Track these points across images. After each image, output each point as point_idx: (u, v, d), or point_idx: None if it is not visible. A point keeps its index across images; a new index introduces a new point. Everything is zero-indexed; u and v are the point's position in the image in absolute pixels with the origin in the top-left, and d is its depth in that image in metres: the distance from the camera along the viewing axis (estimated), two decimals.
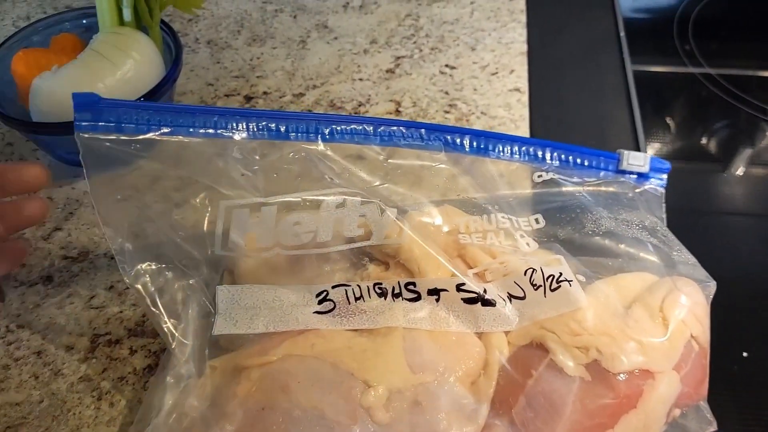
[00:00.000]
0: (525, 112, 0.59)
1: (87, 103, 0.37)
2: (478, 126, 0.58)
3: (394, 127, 0.43)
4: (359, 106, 0.60)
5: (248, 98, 0.61)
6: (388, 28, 0.67)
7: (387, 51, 0.65)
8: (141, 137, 0.38)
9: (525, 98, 0.60)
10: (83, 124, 0.37)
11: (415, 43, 0.66)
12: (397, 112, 0.60)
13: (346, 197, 0.41)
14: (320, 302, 0.40)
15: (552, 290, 0.39)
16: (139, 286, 0.40)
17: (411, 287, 0.40)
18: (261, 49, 0.65)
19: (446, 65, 0.63)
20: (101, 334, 0.46)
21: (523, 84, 0.61)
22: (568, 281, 0.39)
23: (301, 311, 0.40)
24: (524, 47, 0.65)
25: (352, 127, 0.43)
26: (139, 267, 0.41)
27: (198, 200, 0.41)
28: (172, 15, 0.69)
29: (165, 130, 0.39)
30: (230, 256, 0.42)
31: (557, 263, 0.41)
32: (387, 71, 0.63)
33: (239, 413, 0.36)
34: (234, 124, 0.40)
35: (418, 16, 0.68)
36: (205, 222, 0.41)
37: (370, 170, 0.42)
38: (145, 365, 0.44)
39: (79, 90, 0.37)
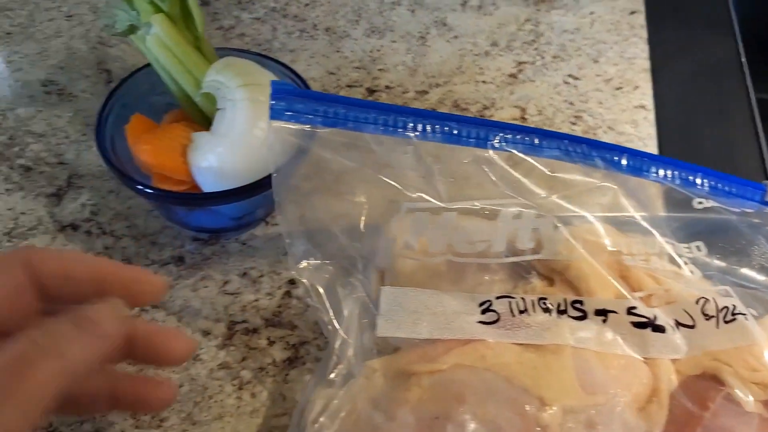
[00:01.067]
0: (652, 131, 0.58)
1: (282, 92, 0.36)
2: (605, 141, 0.57)
3: (560, 141, 0.42)
4: (484, 109, 0.59)
5: (371, 91, 0.60)
6: (508, 31, 0.66)
7: (508, 55, 0.64)
8: (327, 130, 0.38)
9: (651, 116, 0.59)
10: (277, 111, 0.36)
11: (536, 49, 0.65)
12: (523, 119, 0.59)
13: (521, 209, 0.40)
14: (483, 312, 0.39)
15: (726, 322, 0.39)
16: (305, 280, 0.40)
17: (577, 305, 0.39)
18: (380, 42, 0.64)
19: (569, 75, 0.62)
20: (238, 321, 0.45)
21: (648, 102, 0.60)
22: (743, 315, 0.39)
23: (465, 320, 0.39)
24: (647, 64, 0.64)
25: (520, 136, 0.42)
26: (305, 261, 0.40)
27: (372, 198, 0.40)
28: (288, 2, 0.68)
29: (350, 124, 0.38)
30: (389, 256, 0.41)
31: (726, 294, 0.40)
32: (510, 76, 0.62)
33: (411, 419, 0.36)
34: (412, 124, 0.39)
35: (537, 21, 0.67)
36: (373, 220, 0.41)
37: (536, 182, 0.41)
38: (285, 357, 0.43)
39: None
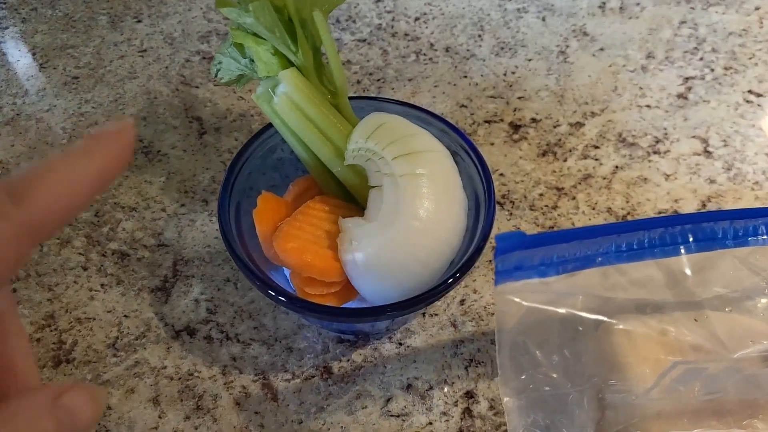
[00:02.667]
0: None
1: (508, 248, 0.26)
2: None
3: None
4: (656, 142, 0.48)
5: (515, 126, 0.49)
6: (663, 38, 0.55)
7: (670, 69, 0.53)
8: (560, 278, 0.27)
9: None
10: (503, 273, 0.26)
11: (701, 59, 0.53)
12: (706, 152, 0.48)
13: None
14: None
15: None
16: None
17: None
18: (513, 61, 0.54)
19: (749, 91, 0.51)
20: None
21: None
22: None
23: None
24: None
25: None
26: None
27: (635, 352, 0.30)
28: (395, 17, 0.57)
29: (597, 259, 0.28)
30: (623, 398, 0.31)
31: None
32: (678, 96, 0.51)
33: None
34: (670, 239, 0.29)
35: (695, 23, 0.56)
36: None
37: None
38: None
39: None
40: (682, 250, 0.28)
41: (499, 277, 0.26)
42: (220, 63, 0.40)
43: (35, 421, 0.20)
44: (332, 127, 0.37)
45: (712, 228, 0.29)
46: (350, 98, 0.40)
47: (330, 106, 0.37)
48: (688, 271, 0.28)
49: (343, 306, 0.36)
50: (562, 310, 0.27)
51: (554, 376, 0.30)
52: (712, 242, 0.29)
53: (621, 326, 0.33)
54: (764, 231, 0.30)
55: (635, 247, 0.28)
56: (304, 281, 0.36)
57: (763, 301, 0.29)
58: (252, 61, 0.38)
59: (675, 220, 0.29)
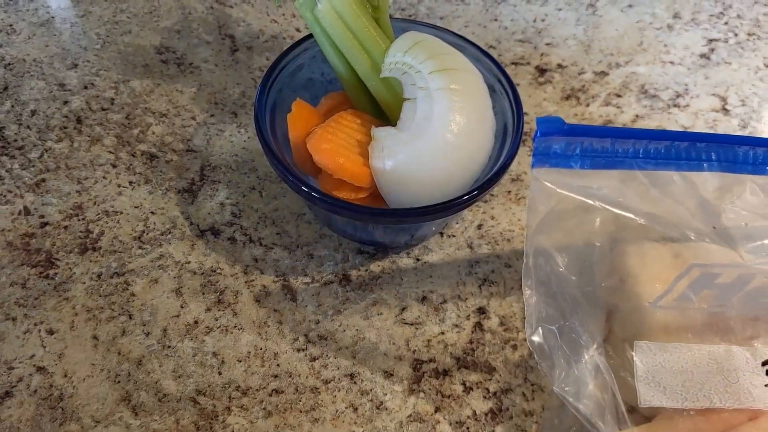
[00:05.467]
0: None
1: (550, 131, 0.27)
2: None
3: None
4: (677, 96, 0.50)
5: (541, 70, 0.50)
6: (690, 0, 0.56)
7: (695, 30, 0.54)
8: (597, 172, 0.29)
9: None
10: (541, 155, 0.27)
11: (726, 24, 0.55)
12: (724, 110, 0.49)
13: None
14: None
15: None
16: (538, 342, 0.31)
17: None
18: (544, 9, 0.54)
19: None
20: (424, 360, 0.37)
21: None
22: None
23: (749, 381, 0.31)
24: None
25: None
26: (541, 326, 0.31)
27: (646, 256, 0.31)
28: None
29: (628, 162, 0.29)
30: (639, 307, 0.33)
31: None
32: (701, 56, 0.52)
33: None
34: (698, 153, 0.30)
35: None
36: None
37: None
38: (487, 409, 0.36)
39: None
40: (705, 166, 0.30)
41: (536, 160, 0.28)
42: None
43: None
44: (371, 39, 0.38)
45: (734, 150, 0.30)
46: (393, 19, 0.41)
47: (371, 19, 0.38)
48: (709, 186, 0.30)
49: (369, 206, 0.37)
50: (596, 204, 0.28)
51: (572, 279, 0.32)
52: (734, 164, 0.31)
53: (635, 247, 0.34)
54: None
55: (663, 154, 0.29)
56: (334, 184, 0.37)
57: None
58: None
59: (701, 136, 0.30)
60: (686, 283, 0.30)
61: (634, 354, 0.32)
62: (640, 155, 0.29)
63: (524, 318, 0.38)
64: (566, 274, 0.32)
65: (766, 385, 0.31)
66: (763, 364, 0.31)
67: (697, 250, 0.32)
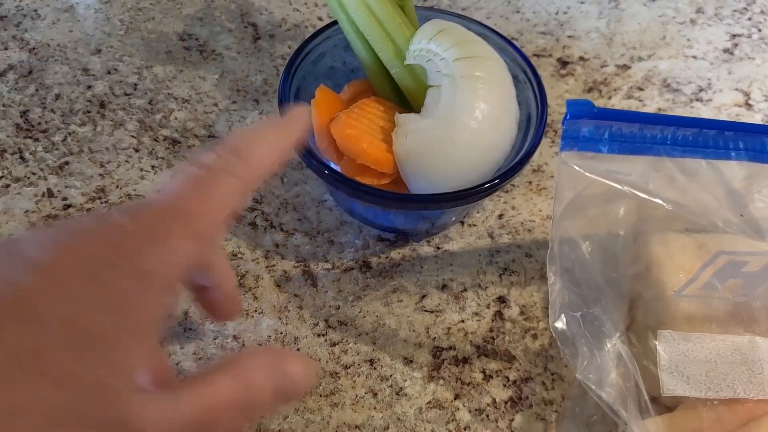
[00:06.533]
0: None
1: (579, 114, 0.27)
2: None
3: None
4: (700, 91, 0.49)
5: (563, 63, 0.50)
6: None
7: (718, 25, 0.54)
8: (625, 157, 0.28)
9: None
10: (570, 138, 0.27)
11: (750, 19, 0.54)
12: (747, 104, 0.49)
13: None
14: None
15: None
16: (562, 330, 0.31)
17: None
18: (566, 2, 0.54)
19: None
20: (443, 347, 0.37)
21: None
22: None
23: None
24: None
25: None
26: (564, 314, 0.31)
27: (670, 245, 0.31)
28: None
29: (656, 148, 0.29)
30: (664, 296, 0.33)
31: None
32: (724, 51, 0.52)
33: None
34: (726, 142, 0.30)
35: None
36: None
37: None
38: (506, 397, 0.36)
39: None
40: (733, 155, 0.29)
41: (564, 143, 0.28)
42: None
43: (259, 378, 0.24)
44: (396, 26, 0.38)
45: (762, 140, 0.30)
46: (418, 8, 0.41)
47: (396, 6, 0.38)
48: (736, 175, 0.30)
49: (392, 191, 0.37)
50: (621, 187, 0.28)
51: (596, 266, 0.32)
52: (761, 154, 0.30)
53: (659, 236, 0.34)
54: None
55: (690, 141, 0.29)
56: (357, 169, 0.37)
57: None
58: None
59: (729, 125, 0.30)
60: (712, 271, 0.30)
61: (657, 343, 0.32)
62: (668, 141, 0.29)
63: (545, 308, 0.38)
64: (590, 261, 0.32)
65: None
66: None
67: (721, 240, 0.32)
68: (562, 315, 0.31)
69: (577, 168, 0.28)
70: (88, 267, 0.20)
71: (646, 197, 0.29)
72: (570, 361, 0.31)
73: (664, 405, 0.32)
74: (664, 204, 0.29)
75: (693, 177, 0.29)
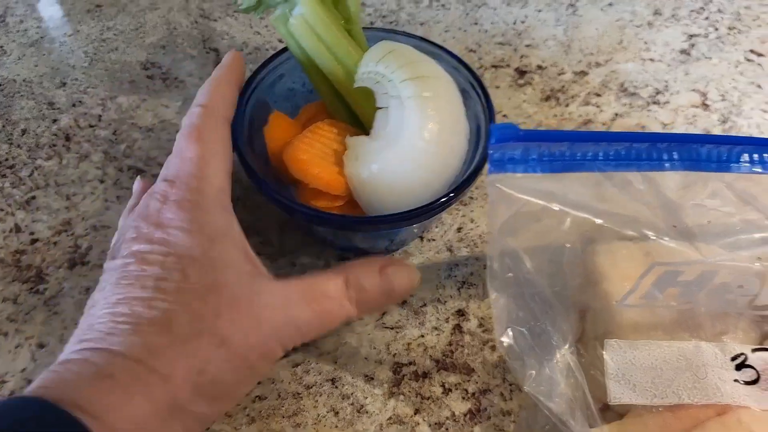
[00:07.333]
0: None
1: (504, 137, 0.28)
2: None
3: None
4: (657, 93, 0.50)
5: (521, 72, 0.51)
6: None
7: (676, 26, 0.54)
8: (555, 176, 0.29)
9: None
10: (497, 162, 0.28)
11: (707, 19, 0.55)
12: (704, 105, 0.49)
13: None
14: (738, 368, 0.32)
15: None
16: (507, 344, 0.32)
17: None
18: (524, 11, 0.55)
19: (751, 51, 0.53)
20: (404, 363, 0.38)
21: None
22: None
23: (718, 376, 0.31)
24: None
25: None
26: (510, 328, 0.32)
27: (612, 256, 0.32)
28: None
29: (581, 164, 0.29)
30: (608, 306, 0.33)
31: None
32: (681, 52, 0.53)
33: None
34: (659, 153, 0.31)
35: None
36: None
37: None
38: (465, 410, 0.36)
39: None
40: (667, 166, 0.30)
41: (492, 166, 0.28)
42: None
43: (367, 277, 0.32)
44: (344, 50, 0.39)
45: (697, 149, 0.31)
46: (366, 29, 0.42)
47: (343, 31, 0.39)
48: (672, 185, 0.30)
49: (343, 215, 0.37)
50: (555, 207, 0.29)
51: (542, 280, 0.32)
52: (697, 163, 0.31)
53: (605, 246, 0.35)
54: (747, 159, 0.32)
55: (623, 156, 0.29)
56: (311, 194, 0.38)
57: (739, 218, 0.31)
58: None
59: (662, 137, 0.30)
60: (650, 281, 0.31)
61: (604, 352, 0.32)
62: (600, 157, 0.29)
63: None
64: (536, 275, 0.33)
65: (734, 380, 0.31)
66: (733, 359, 0.32)
67: (667, 247, 0.32)
68: (509, 330, 0.32)
69: (507, 189, 0.28)
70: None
71: (578, 214, 0.29)
72: (518, 375, 0.32)
73: (617, 413, 0.33)
74: (595, 219, 0.29)
75: (626, 190, 0.30)
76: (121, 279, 0.30)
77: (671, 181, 0.31)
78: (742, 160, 0.32)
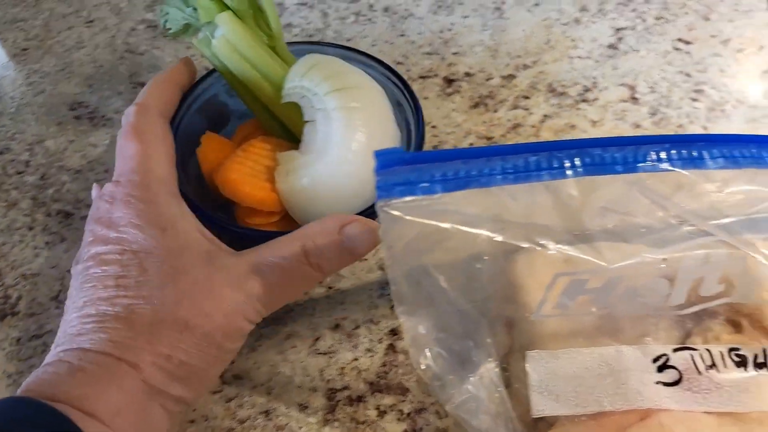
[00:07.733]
0: None
1: (389, 163, 0.28)
2: (737, 119, 0.48)
3: (725, 146, 0.33)
4: (585, 91, 0.50)
5: (449, 81, 0.51)
6: None
7: (603, 21, 0.54)
8: (448, 195, 0.29)
9: None
10: (385, 188, 0.28)
11: (634, 11, 0.55)
12: (633, 99, 0.49)
13: (709, 251, 0.31)
14: (660, 370, 0.31)
15: None
16: (424, 364, 0.32)
17: None
18: (450, 19, 0.55)
19: (679, 39, 0.53)
20: (338, 388, 0.38)
21: None
22: None
23: (640, 380, 0.31)
24: None
25: (675, 151, 0.32)
26: (428, 350, 0.32)
27: (518, 269, 0.32)
28: None
29: (476, 181, 0.29)
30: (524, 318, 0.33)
31: None
32: (609, 47, 0.53)
33: None
34: (560, 161, 0.30)
35: None
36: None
37: (710, 204, 0.32)
38: (401, 431, 0.36)
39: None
40: (569, 173, 0.30)
41: (380, 192, 0.28)
42: (167, 14, 0.41)
43: (325, 239, 0.33)
44: (269, 67, 0.39)
45: (600, 153, 0.31)
46: (294, 43, 0.42)
47: (267, 48, 0.39)
48: (575, 192, 0.30)
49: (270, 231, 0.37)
50: (446, 225, 0.28)
51: (458, 297, 0.32)
52: (602, 167, 0.31)
53: (524, 255, 0.34)
54: (655, 158, 0.32)
55: (521, 168, 0.29)
56: (246, 212, 0.38)
57: (645, 220, 0.31)
58: (195, 9, 0.40)
59: (561, 144, 0.30)
60: (558, 291, 0.30)
61: (527, 364, 0.32)
62: (497, 171, 0.29)
63: None
64: (452, 291, 0.33)
65: (656, 383, 0.31)
66: (654, 360, 0.32)
67: (573, 256, 0.32)
68: (426, 351, 0.32)
69: (397, 213, 0.28)
70: None
71: (471, 231, 0.29)
72: (441, 397, 0.32)
73: (549, 424, 0.33)
74: (491, 235, 0.29)
75: (526, 201, 0.30)
76: (85, 282, 0.32)
77: (574, 188, 0.31)
78: (649, 158, 0.32)
